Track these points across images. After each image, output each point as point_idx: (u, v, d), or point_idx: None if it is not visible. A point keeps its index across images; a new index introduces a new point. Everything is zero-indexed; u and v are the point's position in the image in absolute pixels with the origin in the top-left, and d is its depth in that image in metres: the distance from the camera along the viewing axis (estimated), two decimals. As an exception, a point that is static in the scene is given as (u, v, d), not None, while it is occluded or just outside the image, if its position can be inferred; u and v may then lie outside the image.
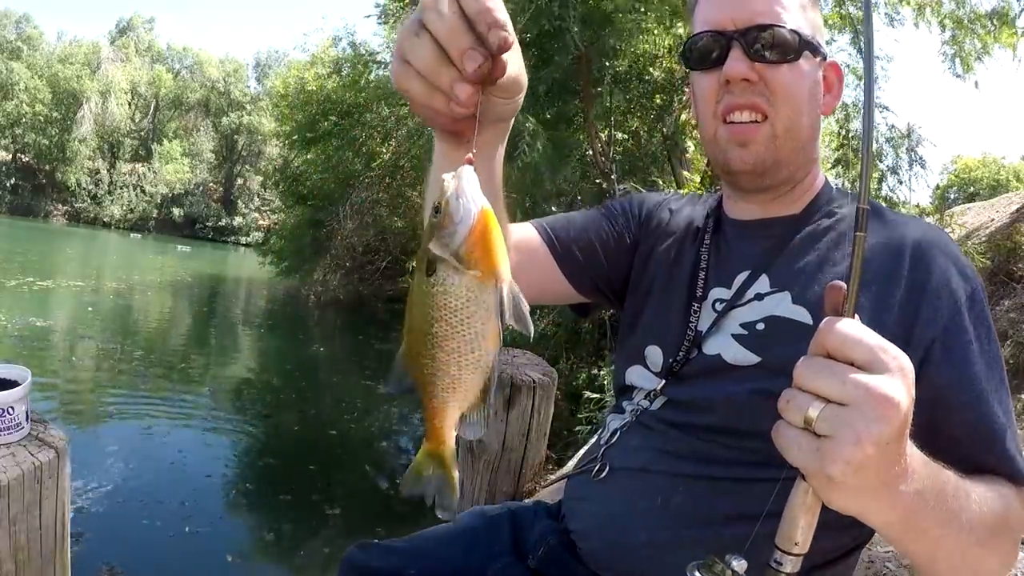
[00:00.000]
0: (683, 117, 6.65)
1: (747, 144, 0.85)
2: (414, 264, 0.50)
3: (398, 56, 0.50)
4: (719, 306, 0.89)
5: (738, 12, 0.83)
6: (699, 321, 0.90)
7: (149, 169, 52.49)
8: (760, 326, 0.84)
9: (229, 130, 54.44)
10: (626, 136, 7.52)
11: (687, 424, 0.86)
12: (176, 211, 52.13)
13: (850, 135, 6.43)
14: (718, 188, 1.07)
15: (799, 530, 0.56)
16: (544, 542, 0.96)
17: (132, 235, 44.00)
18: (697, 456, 0.84)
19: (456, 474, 0.53)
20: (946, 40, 6.89)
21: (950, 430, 0.76)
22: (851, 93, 7.36)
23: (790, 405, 0.53)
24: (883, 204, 1.02)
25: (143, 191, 51.97)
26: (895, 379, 0.51)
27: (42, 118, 47.14)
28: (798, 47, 0.83)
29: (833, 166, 6.35)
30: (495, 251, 0.48)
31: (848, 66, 7.29)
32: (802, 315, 0.82)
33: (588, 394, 4.72)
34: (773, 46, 0.82)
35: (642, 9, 5.59)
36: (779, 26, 0.82)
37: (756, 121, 0.84)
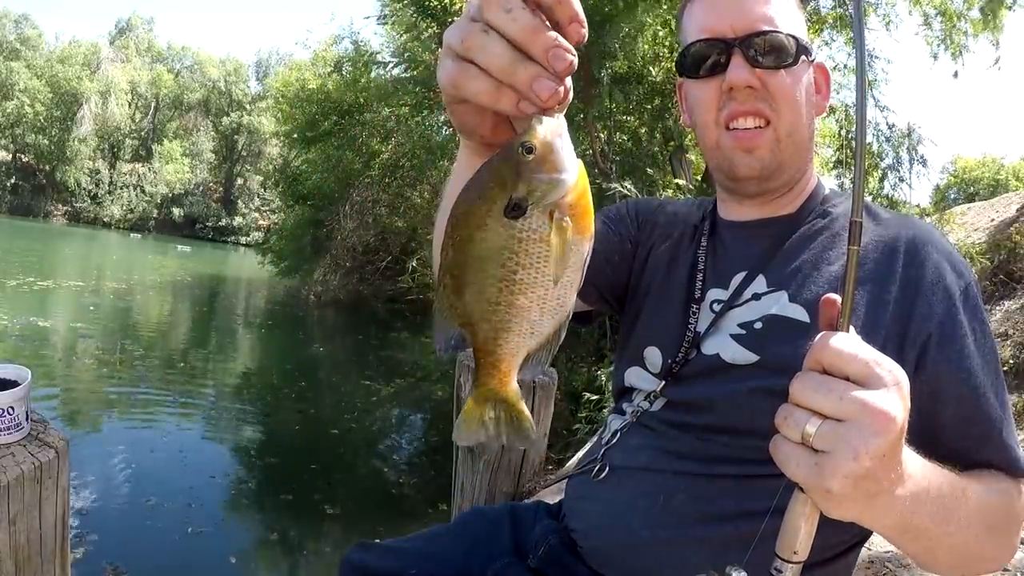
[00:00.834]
0: (682, 118, 6.66)
1: (753, 150, 0.85)
2: (470, 198, 0.46)
3: (454, 56, 0.48)
4: (717, 307, 0.90)
5: (737, 19, 0.83)
6: (697, 322, 0.90)
7: (149, 169, 52.50)
8: (758, 325, 0.84)
9: (229, 130, 54.45)
10: (626, 137, 7.53)
11: (687, 424, 0.87)
12: (176, 211, 52.14)
13: (849, 136, 6.42)
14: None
15: (799, 539, 0.57)
16: (545, 541, 0.96)
17: (132, 235, 44.01)
18: (698, 456, 0.84)
19: (525, 408, 0.51)
20: (929, 28, 6.88)
21: (947, 424, 0.77)
22: (850, 95, 7.37)
23: (788, 421, 0.54)
24: (876, 203, 1.03)
25: (143, 191, 51.99)
26: (891, 393, 0.51)
27: (42, 118, 47.15)
28: (796, 52, 0.83)
29: (834, 167, 6.35)
30: (591, 210, 0.47)
31: (847, 67, 7.30)
32: (799, 313, 0.82)
33: (588, 395, 4.73)
34: (773, 52, 0.83)
35: (640, 10, 5.60)
36: (778, 32, 0.83)
37: (760, 127, 0.84)
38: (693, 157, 6.96)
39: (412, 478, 4.80)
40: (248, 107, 53.92)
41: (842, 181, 6.16)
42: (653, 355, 0.94)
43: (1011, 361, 4.79)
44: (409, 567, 1.01)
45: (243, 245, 46.43)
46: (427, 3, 8.03)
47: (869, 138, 6.96)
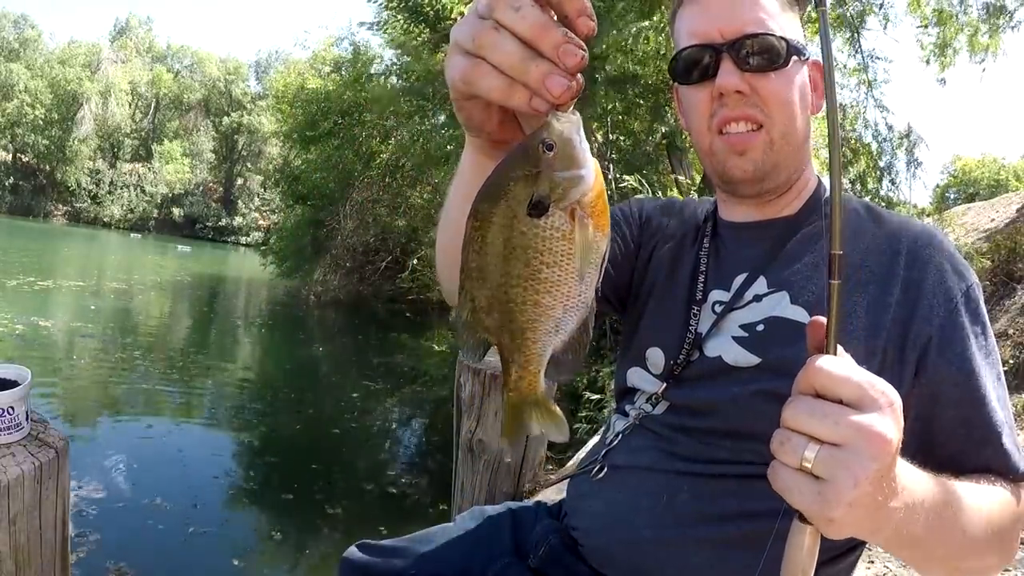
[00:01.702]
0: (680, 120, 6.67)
1: (745, 152, 0.85)
2: (491, 199, 0.46)
3: (463, 52, 0.49)
4: (718, 308, 0.90)
5: (725, 23, 0.83)
6: (699, 323, 0.90)
7: (149, 169, 52.52)
8: (760, 327, 0.84)
9: (229, 130, 54.47)
10: (624, 136, 7.52)
11: (689, 428, 0.87)
12: (176, 211, 52.16)
13: (848, 136, 6.44)
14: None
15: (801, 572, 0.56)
16: (545, 541, 0.96)
17: (132, 235, 44.03)
18: (700, 457, 0.85)
19: (556, 406, 0.52)
20: (928, 35, 6.89)
21: (947, 427, 0.77)
22: (850, 94, 7.38)
23: (784, 448, 0.53)
24: (878, 204, 1.02)
25: (143, 191, 52.01)
26: (885, 416, 0.51)
27: (42, 119, 47.18)
28: (786, 53, 0.83)
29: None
30: (608, 207, 0.48)
31: (846, 66, 7.30)
32: (801, 315, 0.82)
33: (588, 394, 4.73)
34: (762, 54, 0.82)
35: (632, 12, 5.61)
36: (767, 34, 0.82)
37: (752, 130, 0.84)
38: (692, 156, 6.97)
39: (412, 478, 4.80)
40: (248, 107, 53.94)
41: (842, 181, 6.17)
42: (655, 356, 0.94)
43: (1011, 361, 4.79)
44: (409, 567, 1.01)
45: (243, 245, 46.43)
46: (421, 8, 8.03)
47: (868, 139, 6.97)
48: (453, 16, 8.10)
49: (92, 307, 10.48)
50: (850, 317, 0.78)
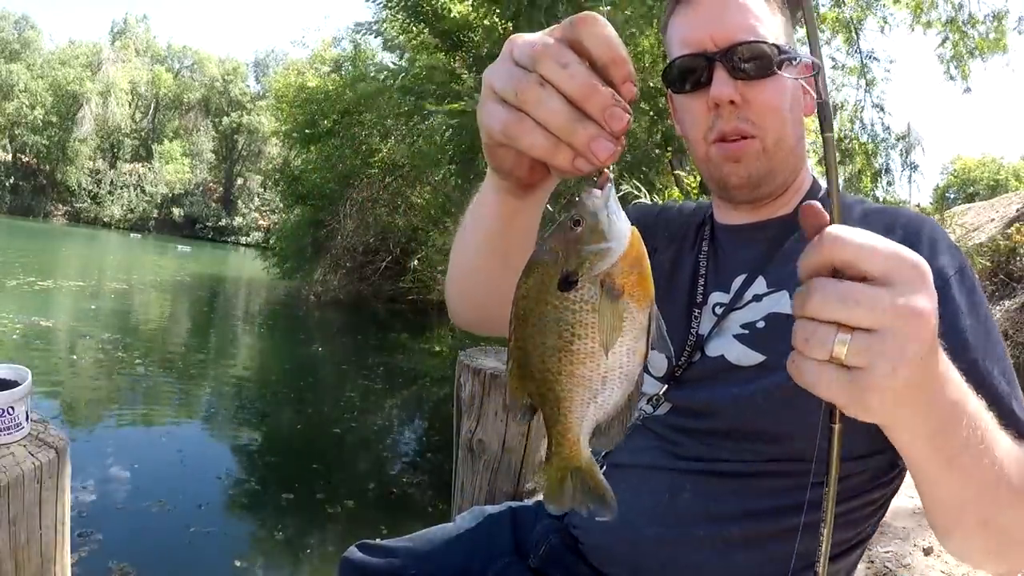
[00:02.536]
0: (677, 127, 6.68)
1: (740, 159, 0.86)
2: (527, 275, 0.48)
3: (501, 102, 0.48)
4: (719, 310, 0.90)
5: (716, 30, 0.83)
6: (700, 325, 0.90)
7: (149, 169, 52.54)
8: (761, 324, 0.85)
9: (229, 130, 54.49)
10: (625, 137, 7.52)
11: (691, 429, 0.87)
12: (176, 211, 52.17)
13: (844, 136, 6.45)
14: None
15: None
16: (546, 541, 0.96)
17: (132, 235, 44.01)
18: (702, 457, 0.85)
19: (603, 479, 0.51)
20: (941, 44, 6.92)
21: None
22: (850, 94, 7.38)
23: (811, 343, 0.46)
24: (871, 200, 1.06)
25: (143, 191, 52.04)
26: (919, 289, 0.46)
27: (42, 119, 47.20)
28: (778, 59, 0.83)
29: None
30: (649, 276, 0.48)
31: (844, 66, 7.30)
32: None
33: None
34: (755, 61, 0.83)
35: (629, 12, 5.61)
36: (759, 41, 0.83)
37: (745, 137, 0.85)
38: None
39: (412, 478, 4.80)
40: (247, 106, 53.95)
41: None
42: (656, 358, 0.94)
43: (1011, 361, 4.79)
44: (409, 567, 1.01)
45: (243, 245, 46.45)
46: (420, 7, 8.01)
47: (865, 138, 6.98)
48: (452, 16, 8.09)
49: (92, 307, 10.47)
50: None
